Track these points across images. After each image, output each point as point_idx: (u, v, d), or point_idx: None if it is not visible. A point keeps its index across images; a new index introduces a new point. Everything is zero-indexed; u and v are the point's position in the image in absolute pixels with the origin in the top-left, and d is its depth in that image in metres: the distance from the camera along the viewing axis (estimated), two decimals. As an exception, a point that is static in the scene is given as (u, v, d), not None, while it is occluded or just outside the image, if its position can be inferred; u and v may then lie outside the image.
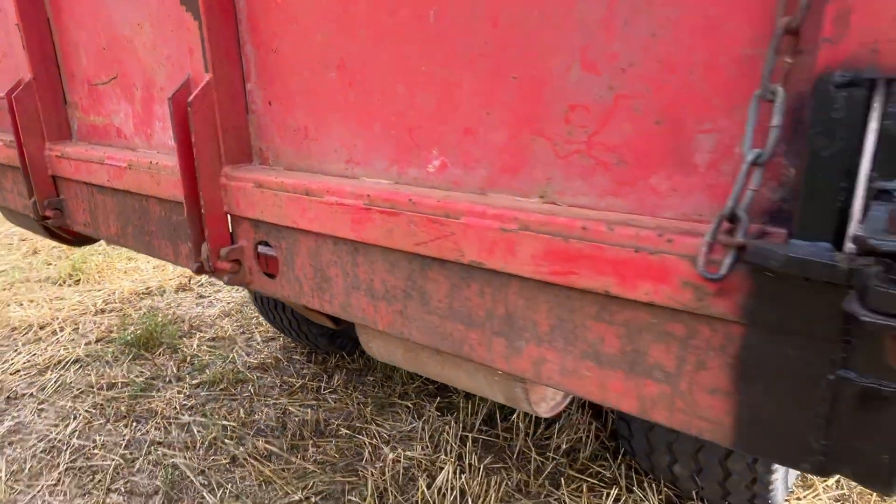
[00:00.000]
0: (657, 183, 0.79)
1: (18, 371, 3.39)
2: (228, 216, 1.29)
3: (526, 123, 0.88)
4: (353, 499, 2.36)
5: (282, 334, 3.70)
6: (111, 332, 3.82)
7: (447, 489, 2.37)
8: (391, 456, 2.60)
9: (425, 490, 2.37)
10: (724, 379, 0.73)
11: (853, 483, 2.42)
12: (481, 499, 2.33)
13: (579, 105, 0.82)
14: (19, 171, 1.80)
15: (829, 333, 0.64)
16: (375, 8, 1.00)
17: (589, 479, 2.44)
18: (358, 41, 1.04)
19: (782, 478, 2.05)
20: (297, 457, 2.64)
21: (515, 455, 2.61)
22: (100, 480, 2.48)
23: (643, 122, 0.78)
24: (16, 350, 3.61)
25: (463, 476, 2.44)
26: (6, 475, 2.52)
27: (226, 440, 2.75)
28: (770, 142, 0.64)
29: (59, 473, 2.53)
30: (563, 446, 2.64)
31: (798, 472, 2.39)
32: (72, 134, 1.79)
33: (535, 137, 0.88)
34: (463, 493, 2.36)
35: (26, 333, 3.81)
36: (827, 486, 2.41)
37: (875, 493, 2.37)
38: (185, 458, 2.62)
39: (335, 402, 3.07)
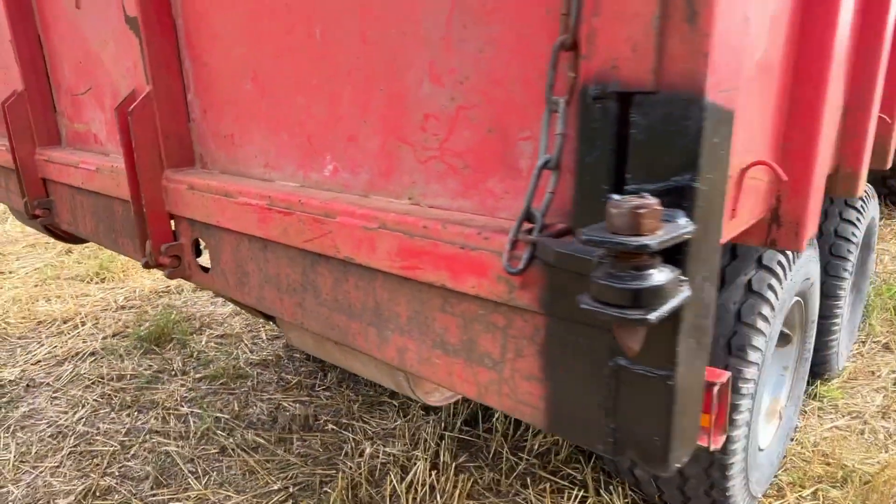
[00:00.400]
0: (493, 186, 0.85)
1: (39, 361, 3.61)
2: (171, 216, 1.41)
3: (393, 132, 0.96)
4: (329, 491, 2.46)
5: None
6: (127, 327, 4.03)
7: (418, 485, 2.44)
8: (369, 451, 2.69)
9: (396, 485, 2.44)
10: (536, 366, 0.79)
11: (826, 492, 2.39)
12: (449, 494, 2.39)
13: (431, 115, 0.90)
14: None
15: (606, 323, 0.70)
16: (276, 25, 1.09)
17: (559, 481, 2.47)
18: (266, 55, 1.14)
19: (741, 485, 2.05)
20: (282, 449, 2.75)
21: (491, 455, 2.66)
22: (97, 464, 2.65)
23: (479, 131, 0.85)
24: (39, 342, 3.85)
25: (434, 473, 2.51)
26: (14, 456, 2.71)
27: (218, 431, 2.88)
28: (556, 148, 0.70)
29: (62, 457, 2.71)
30: (538, 448, 2.68)
31: (768, 481, 2.37)
32: (61, 140, 1.95)
33: (401, 144, 0.95)
34: (433, 488, 2.43)
35: (50, 327, 4.05)
36: (800, 496, 2.39)
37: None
38: (177, 446, 2.77)
39: (327, 399, 3.17)
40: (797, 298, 2.30)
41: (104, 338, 3.90)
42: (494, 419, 2.89)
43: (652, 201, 0.58)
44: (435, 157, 0.91)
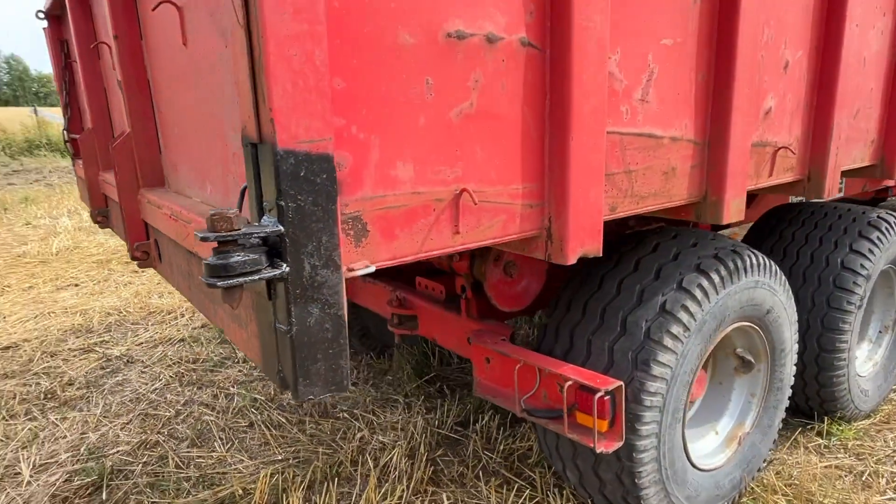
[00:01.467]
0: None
1: (141, 343, 4.42)
2: (145, 223, 1.91)
3: (226, 166, 1.35)
4: (318, 465, 2.86)
5: (330, 333, 4.34)
6: (195, 317, 4.77)
7: (392, 469, 2.77)
8: (365, 437, 3.06)
9: (372, 466, 2.79)
10: (253, 328, 1.13)
11: (775, 523, 2.36)
12: (415, 480, 2.69)
13: (237, 153, 1.28)
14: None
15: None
16: (179, 90, 1.54)
17: (516, 479, 2.67)
18: (178, 110, 1.59)
19: (659, 496, 2.15)
20: (297, 429, 3.21)
21: (468, 452, 2.92)
22: (154, 425, 3.28)
23: (222, 168, 1.21)
24: (145, 328, 4.69)
25: (409, 461, 2.82)
26: (100, 412, 3.43)
27: (252, 410, 3.41)
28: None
29: (132, 416, 3.38)
30: (504, 449, 2.89)
31: (713, 502, 2.39)
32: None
33: (228, 174, 1.34)
34: (404, 473, 2.74)
35: (157, 317, 4.91)
36: (751, 523, 2.39)
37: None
38: (216, 417, 3.33)
39: (350, 392, 3.60)
40: (746, 324, 2.34)
41: (194, 328, 4.66)
42: (482, 422, 3.14)
43: (230, 212, 0.90)
44: (229, 178, 1.29)
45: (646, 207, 1.62)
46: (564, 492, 2.54)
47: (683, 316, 2.06)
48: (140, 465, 2.92)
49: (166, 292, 5.47)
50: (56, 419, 3.34)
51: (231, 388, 3.67)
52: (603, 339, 2.13)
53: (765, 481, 2.62)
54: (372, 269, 1.12)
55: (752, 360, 2.52)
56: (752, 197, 3.21)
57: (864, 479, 2.70)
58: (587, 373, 1.99)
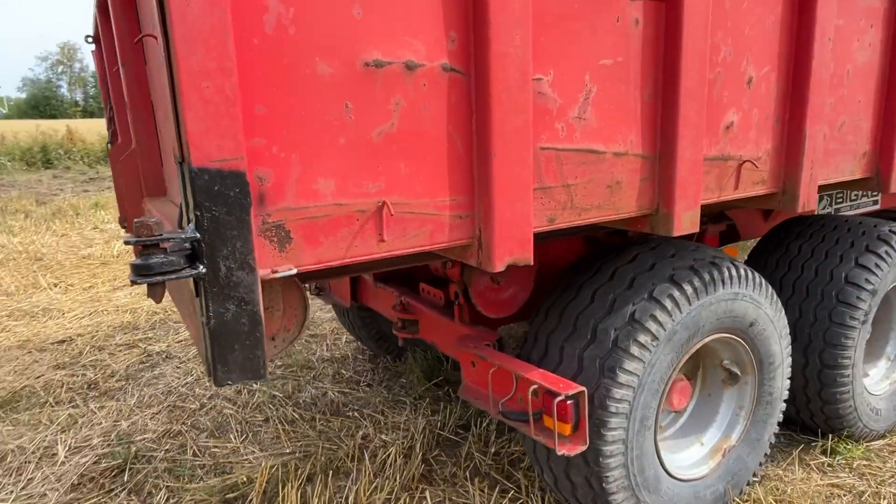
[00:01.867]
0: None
1: (180, 342, 4.74)
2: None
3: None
4: (320, 459, 3.02)
5: (350, 334, 4.53)
6: (247, 321, 5.05)
7: (388, 466, 2.90)
8: (368, 436, 3.21)
9: (368, 462, 2.93)
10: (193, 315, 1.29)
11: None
12: (408, 476, 2.81)
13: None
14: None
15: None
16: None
17: (502, 480, 2.75)
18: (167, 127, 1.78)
19: (625, 498, 2.19)
20: (308, 426, 3.39)
21: (464, 454, 3.02)
22: (179, 416, 3.54)
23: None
24: (185, 328, 5.01)
25: (405, 459, 2.94)
26: (134, 402, 3.72)
27: (270, 405, 3.63)
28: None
29: (161, 407, 3.65)
30: (495, 450, 2.97)
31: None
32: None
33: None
34: (398, 470, 2.86)
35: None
36: (731, 536, 2.38)
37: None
38: (236, 411, 3.56)
39: (363, 393, 3.76)
40: (727, 336, 2.35)
41: (229, 328, 4.94)
42: (482, 426, 3.23)
43: (151, 221, 1.06)
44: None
45: (589, 220, 1.70)
46: (547, 496, 2.61)
47: (652, 325, 2.11)
48: (162, 451, 3.17)
49: (209, 294, 5.81)
50: (95, 407, 3.65)
51: (254, 385, 3.90)
52: (574, 345, 2.20)
53: (753, 496, 2.60)
54: (294, 271, 1.26)
55: (739, 373, 2.51)
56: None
57: (862, 499, 2.63)
58: (552, 377, 2.07)
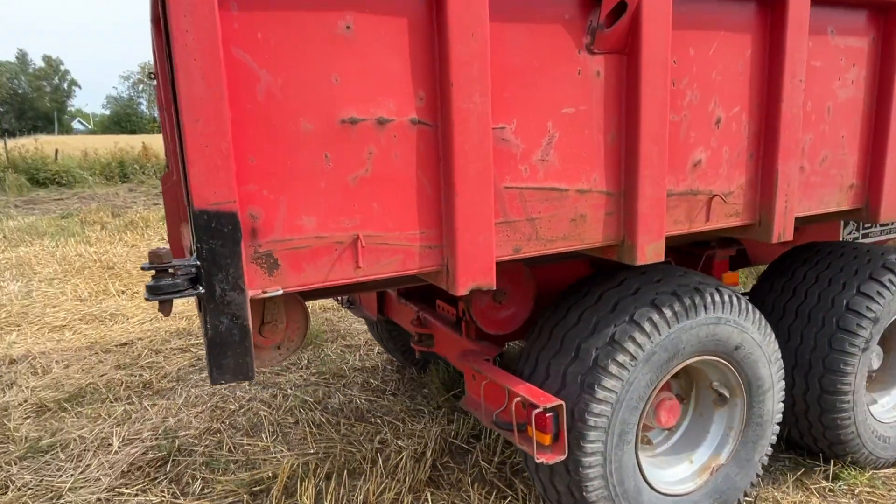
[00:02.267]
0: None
1: (228, 347, 5.13)
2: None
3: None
4: (339, 460, 3.29)
5: (380, 346, 4.80)
6: (289, 331, 5.40)
7: (400, 469, 3.13)
8: (378, 438, 3.45)
9: (381, 466, 3.17)
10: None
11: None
12: (417, 480, 3.03)
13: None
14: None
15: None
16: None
17: (506, 489, 2.94)
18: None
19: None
20: (334, 429, 3.67)
21: (471, 461, 3.21)
22: (219, 416, 3.88)
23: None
24: (234, 334, 5.41)
25: (415, 463, 3.17)
26: (183, 401, 4.10)
27: (301, 409, 3.93)
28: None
29: (205, 407, 4.02)
30: (513, 463, 3.14)
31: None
32: None
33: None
34: (407, 473, 3.09)
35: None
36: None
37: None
38: (269, 413, 3.88)
39: (387, 401, 4.02)
40: (712, 359, 2.47)
41: (272, 336, 5.31)
42: (493, 436, 3.42)
43: (162, 251, 1.33)
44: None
45: (555, 249, 1.89)
46: (539, 500, 2.77)
47: (630, 346, 2.26)
48: (202, 447, 3.51)
49: (257, 304, 6.23)
50: (147, 405, 4.06)
51: (289, 390, 4.22)
52: (560, 362, 2.38)
53: (743, 514, 2.68)
54: (280, 292, 1.52)
55: (727, 395, 2.62)
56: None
57: (853, 523, 2.67)
58: (536, 391, 2.26)
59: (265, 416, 3.84)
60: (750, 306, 2.53)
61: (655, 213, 1.96)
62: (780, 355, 2.65)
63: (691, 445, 2.71)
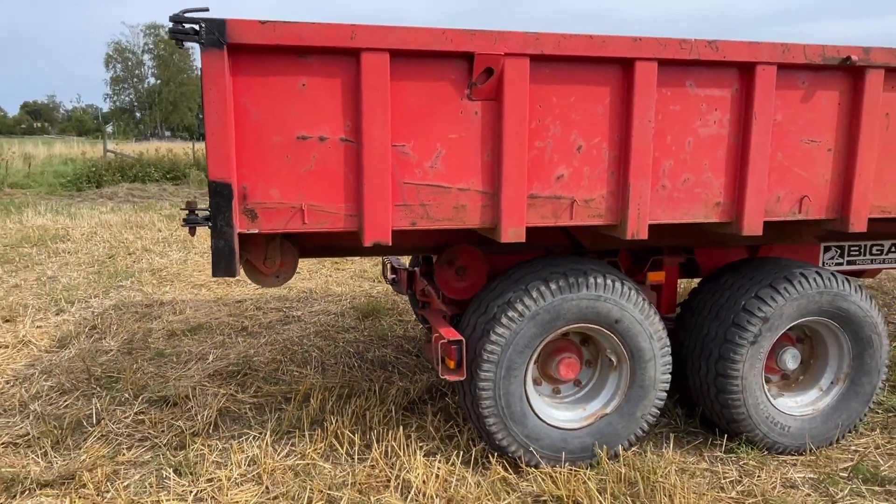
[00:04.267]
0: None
1: (311, 311, 6.51)
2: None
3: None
4: (350, 387, 4.41)
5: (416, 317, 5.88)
6: (353, 302, 6.68)
7: (391, 399, 4.18)
8: (381, 378, 4.53)
9: (377, 393, 4.24)
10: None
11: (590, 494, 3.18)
12: (396, 405, 4.06)
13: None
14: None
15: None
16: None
17: (456, 417, 3.87)
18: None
19: (502, 431, 3.20)
20: (360, 372, 4.81)
21: (441, 399, 4.18)
22: (286, 352, 5.19)
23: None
24: (319, 303, 6.80)
25: (404, 395, 4.20)
26: (263, 341, 5.49)
27: (343, 356, 5.13)
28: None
29: (277, 345, 5.36)
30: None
31: (556, 452, 3.27)
32: None
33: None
34: (392, 400, 4.12)
35: (331, 297, 7.02)
36: (568, 480, 3.24)
37: None
38: (319, 355, 5.11)
39: (410, 360, 5.09)
40: (596, 327, 3.25)
41: (346, 307, 6.62)
42: (470, 388, 4.34)
43: (193, 202, 2.51)
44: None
45: (442, 226, 2.86)
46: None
47: (519, 306, 3.15)
48: (265, 369, 4.83)
49: (343, 282, 7.62)
50: (239, 340, 5.50)
51: (341, 344, 5.46)
52: (476, 317, 3.32)
53: (624, 458, 3.37)
54: (257, 231, 2.68)
55: (614, 360, 3.37)
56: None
57: (721, 482, 3.26)
58: (450, 331, 3.23)
59: (315, 357, 5.09)
60: (632, 291, 3.27)
61: (516, 208, 2.86)
62: (663, 334, 3.34)
63: (589, 398, 3.48)
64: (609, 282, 3.23)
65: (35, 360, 4.96)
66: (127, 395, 4.19)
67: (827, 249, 4.44)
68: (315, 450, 3.47)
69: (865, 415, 3.67)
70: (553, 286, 3.17)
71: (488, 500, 3.02)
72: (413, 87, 2.73)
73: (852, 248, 4.48)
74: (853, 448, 3.63)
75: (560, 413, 3.42)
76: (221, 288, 7.41)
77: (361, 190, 2.73)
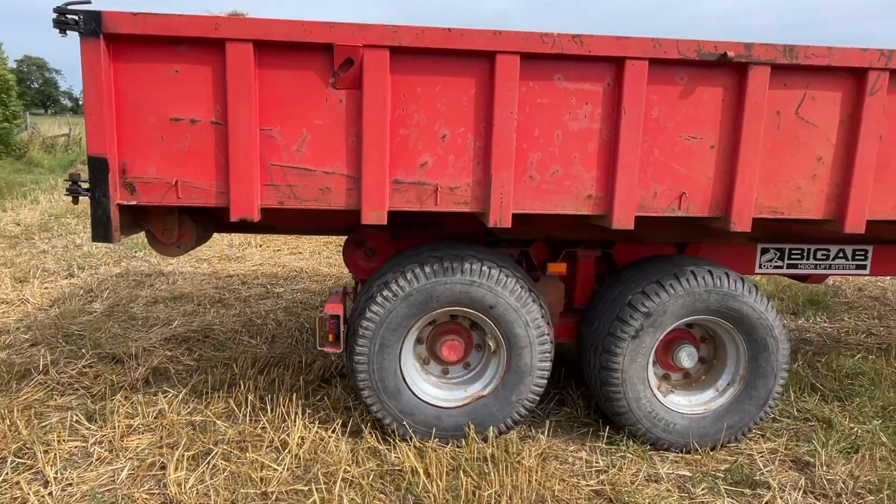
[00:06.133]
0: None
1: (294, 289, 6.86)
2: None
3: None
4: (285, 361, 4.69)
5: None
6: (337, 281, 6.97)
7: (311, 370, 4.43)
8: (317, 353, 4.78)
9: (302, 366, 4.50)
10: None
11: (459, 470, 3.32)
12: (312, 374, 4.30)
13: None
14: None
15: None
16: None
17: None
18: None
19: (377, 402, 3.39)
20: (303, 347, 5.09)
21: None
22: (248, 323, 5.54)
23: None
24: (304, 282, 7.15)
25: (324, 370, 4.44)
26: (235, 312, 5.87)
27: (298, 331, 5.42)
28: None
29: (243, 318, 5.72)
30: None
31: (429, 428, 3.41)
32: None
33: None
34: (312, 373, 4.38)
35: (318, 277, 7.35)
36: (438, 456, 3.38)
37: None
38: (276, 329, 5.43)
39: (357, 337, 5.32)
40: (471, 311, 3.37)
41: (328, 286, 6.92)
42: (393, 366, 4.53)
43: (75, 174, 2.83)
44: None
45: (308, 206, 3.06)
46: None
47: (394, 287, 3.32)
48: (219, 337, 5.19)
49: (336, 264, 7.94)
50: (211, 310, 5.90)
51: (302, 318, 5.76)
52: (362, 296, 3.51)
53: (497, 440, 3.48)
54: (135, 202, 2.97)
55: (493, 345, 3.48)
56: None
57: (585, 470, 3.32)
58: (331, 307, 3.44)
59: (269, 329, 5.42)
60: (507, 279, 3.36)
61: (377, 193, 3.02)
62: (540, 322, 3.42)
63: (474, 381, 3.60)
64: (485, 268, 3.34)
65: (25, 317, 5.54)
66: (84, 351, 4.64)
67: (764, 251, 4.34)
68: (216, 410, 3.77)
69: (761, 419, 3.60)
70: (427, 269, 3.32)
71: (348, 465, 3.21)
72: (279, 75, 2.94)
73: (793, 252, 4.35)
74: (747, 452, 3.58)
75: (441, 392, 3.56)
76: (222, 263, 7.90)
77: (230, 169, 2.97)
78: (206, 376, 4.26)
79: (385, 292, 3.33)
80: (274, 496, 2.98)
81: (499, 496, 2.98)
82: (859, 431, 3.73)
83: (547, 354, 3.47)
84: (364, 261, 3.97)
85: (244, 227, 4.08)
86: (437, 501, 2.94)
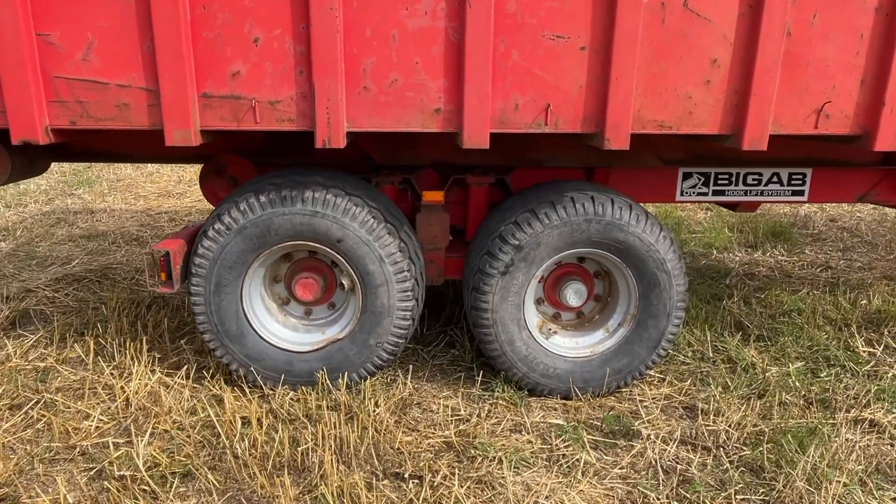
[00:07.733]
0: None
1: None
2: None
3: None
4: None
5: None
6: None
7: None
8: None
9: (188, 305, 4.20)
10: None
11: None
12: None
13: None
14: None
15: None
16: None
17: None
18: None
19: (212, 339, 3.07)
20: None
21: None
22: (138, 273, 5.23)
23: None
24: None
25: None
26: (134, 255, 5.55)
27: (204, 269, 5.10)
28: None
29: (142, 263, 5.40)
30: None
31: (278, 377, 3.10)
32: None
33: None
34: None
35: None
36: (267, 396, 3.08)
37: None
38: (181, 267, 5.11)
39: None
40: (319, 246, 2.99)
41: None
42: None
43: None
44: None
45: (106, 125, 2.64)
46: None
47: (226, 219, 2.94)
48: (113, 277, 4.88)
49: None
50: (122, 250, 5.59)
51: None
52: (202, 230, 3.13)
53: (361, 386, 3.17)
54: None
55: (347, 283, 3.11)
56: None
57: (444, 420, 3.00)
58: (165, 243, 3.07)
59: (175, 268, 5.09)
60: (356, 208, 2.95)
61: (180, 109, 2.59)
62: (398, 257, 3.02)
63: (333, 323, 3.26)
64: (329, 196, 2.93)
65: (-75, 256, 5.28)
66: (-37, 292, 4.38)
67: (686, 176, 3.85)
68: (68, 355, 3.49)
69: (654, 362, 3.23)
70: (263, 199, 2.92)
71: (179, 413, 2.93)
72: (50, -35, 2.47)
73: (720, 176, 3.86)
74: (639, 398, 3.23)
75: (297, 335, 3.23)
76: (159, 200, 7.56)
77: (1, 83, 2.55)
78: (73, 319, 3.97)
79: (217, 225, 2.95)
80: (78, 449, 2.71)
81: (319, 448, 2.68)
82: (769, 375, 3.35)
83: (408, 293, 3.09)
84: (225, 191, 3.57)
85: (96, 155, 3.69)
86: (247, 453, 2.66)
